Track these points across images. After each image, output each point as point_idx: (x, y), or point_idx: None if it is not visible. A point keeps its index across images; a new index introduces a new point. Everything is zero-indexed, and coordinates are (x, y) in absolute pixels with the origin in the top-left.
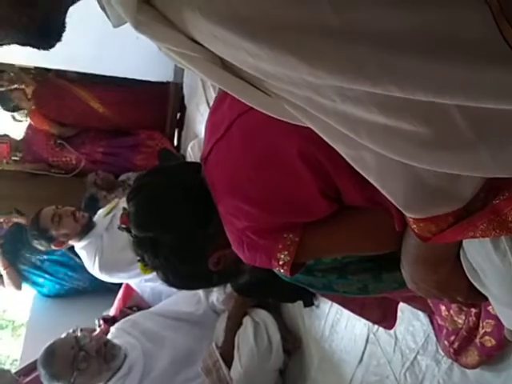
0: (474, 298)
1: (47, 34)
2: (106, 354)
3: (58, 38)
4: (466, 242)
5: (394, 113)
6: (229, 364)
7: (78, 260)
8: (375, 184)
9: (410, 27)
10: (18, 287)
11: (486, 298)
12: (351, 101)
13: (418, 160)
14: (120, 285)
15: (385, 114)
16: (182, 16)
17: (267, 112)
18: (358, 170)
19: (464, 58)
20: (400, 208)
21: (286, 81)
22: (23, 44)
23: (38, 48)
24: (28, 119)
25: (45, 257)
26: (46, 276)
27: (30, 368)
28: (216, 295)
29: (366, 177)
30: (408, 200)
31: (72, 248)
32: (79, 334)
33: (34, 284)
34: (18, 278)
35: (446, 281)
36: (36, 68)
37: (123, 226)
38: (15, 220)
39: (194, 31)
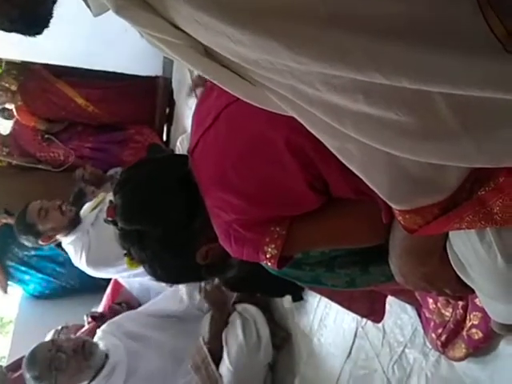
0: (462, 291)
1: (34, 20)
2: (84, 352)
3: (45, 25)
4: (451, 234)
5: (379, 101)
6: (217, 359)
7: (66, 255)
8: (359, 175)
9: (396, 15)
10: (5, 290)
11: (473, 291)
12: (336, 89)
13: (402, 150)
14: (109, 282)
15: (370, 103)
16: (164, 1)
17: (250, 101)
18: (342, 160)
19: (449, 46)
20: (384, 199)
21: (270, 68)
22: (9, 30)
23: (25, 34)
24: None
25: (33, 252)
26: (33, 272)
27: (18, 364)
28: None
29: (351, 167)
30: (392, 191)
31: (60, 243)
32: (58, 336)
33: (20, 281)
34: (6, 282)
35: (434, 273)
36: (22, 62)
37: (109, 218)
38: (4, 221)
39: (175, 16)
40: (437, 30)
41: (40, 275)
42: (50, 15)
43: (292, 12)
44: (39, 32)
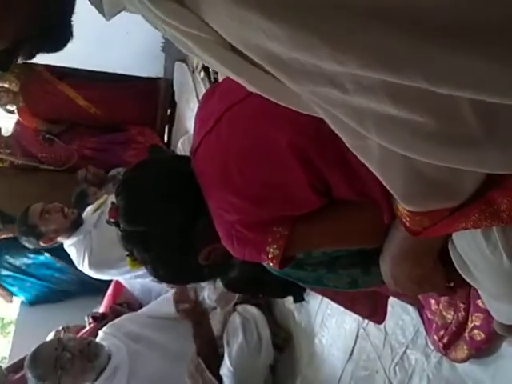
0: (448, 294)
1: (59, 35)
2: (89, 354)
3: (69, 37)
4: (455, 235)
5: (406, 104)
6: (213, 364)
7: (62, 263)
8: (377, 174)
9: (443, 13)
10: (10, 301)
11: (455, 292)
12: (364, 90)
13: (423, 154)
14: (109, 284)
15: (396, 105)
16: None
17: (280, 101)
18: (361, 159)
19: (492, 50)
20: (399, 200)
21: (298, 69)
22: (34, 56)
23: (53, 51)
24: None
25: (30, 261)
26: (33, 280)
27: (19, 365)
28: (207, 292)
29: (369, 166)
30: (408, 193)
31: (56, 251)
32: (62, 335)
33: (20, 290)
34: (8, 292)
35: (426, 275)
36: (24, 63)
37: (112, 220)
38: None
39: (206, 11)
40: (485, 32)
41: (39, 282)
42: (70, 27)
43: (333, 6)
44: (64, 45)
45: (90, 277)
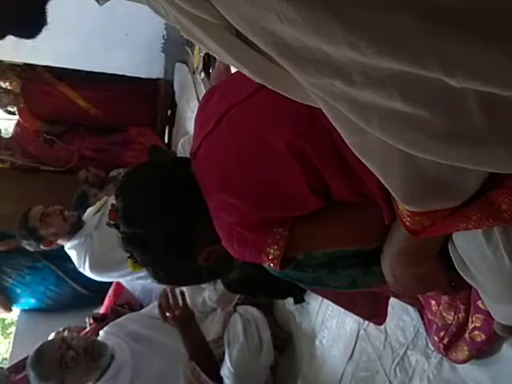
0: (451, 293)
1: (29, 22)
2: (93, 353)
3: (43, 25)
4: (455, 236)
5: (415, 98)
6: (209, 366)
7: (60, 273)
8: (375, 172)
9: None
10: (9, 310)
11: (458, 292)
12: (373, 82)
13: (428, 151)
14: (104, 294)
15: (404, 99)
16: None
17: (283, 92)
18: (359, 156)
19: (502, 41)
20: (398, 200)
21: (306, 57)
22: (3, 36)
23: (21, 37)
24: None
25: (26, 271)
26: (28, 292)
27: (20, 366)
28: (208, 293)
29: (367, 164)
30: (407, 192)
31: (56, 259)
32: (66, 333)
33: (16, 303)
34: (8, 303)
35: (427, 275)
36: (24, 64)
37: (111, 222)
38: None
39: None
40: (486, 20)
41: (34, 294)
42: (44, 16)
43: None
44: (38, 33)
45: (86, 290)
